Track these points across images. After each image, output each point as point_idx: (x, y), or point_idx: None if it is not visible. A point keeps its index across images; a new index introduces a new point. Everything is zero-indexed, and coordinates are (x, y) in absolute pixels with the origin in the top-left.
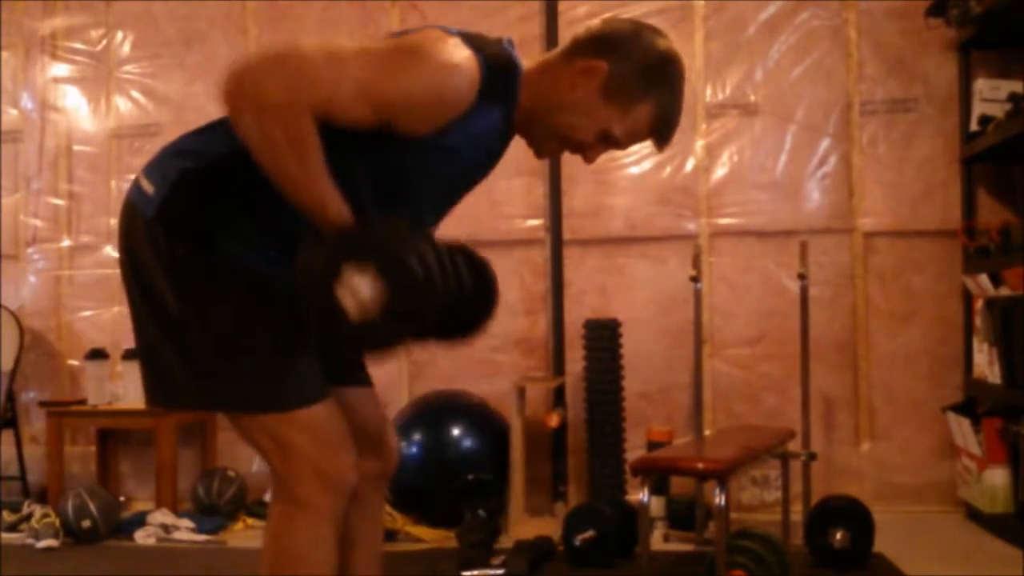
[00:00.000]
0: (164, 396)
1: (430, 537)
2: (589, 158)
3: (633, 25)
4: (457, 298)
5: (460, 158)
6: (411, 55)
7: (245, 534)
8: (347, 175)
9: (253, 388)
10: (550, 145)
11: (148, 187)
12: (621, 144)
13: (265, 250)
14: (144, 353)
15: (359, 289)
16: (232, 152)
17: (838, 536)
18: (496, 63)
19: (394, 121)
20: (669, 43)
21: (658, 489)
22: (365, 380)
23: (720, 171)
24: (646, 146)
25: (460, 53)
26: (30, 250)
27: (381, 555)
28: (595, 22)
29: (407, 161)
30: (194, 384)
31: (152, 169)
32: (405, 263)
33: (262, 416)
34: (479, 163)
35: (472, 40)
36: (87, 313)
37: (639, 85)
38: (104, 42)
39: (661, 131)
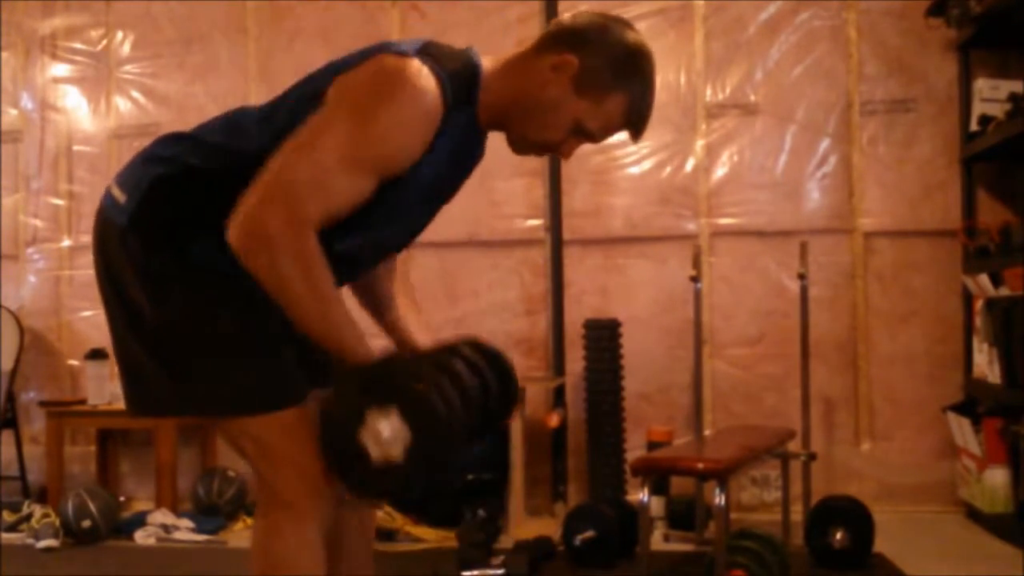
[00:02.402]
0: (145, 405)
1: (430, 537)
2: (564, 152)
3: (601, 18)
4: (478, 423)
5: (443, 165)
6: (375, 106)
7: (245, 534)
8: None
9: (232, 392)
10: (526, 142)
11: (120, 196)
12: (595, 137)
13: None
14: (122, 362)
15: (382, 433)
16: (202, 165)
17: (838, 536)
18: (456, 72)
19: (390, 170)
20: (638, 35)
21: (658, 489)
22: None
23: (720, 171)
24: (645, 145)
25: (419, 77)
26: (30, 250)
27: (370, 556)
28: (564, 17)
29: (396, 184)
30: (174, 391)
31: (123, 178)
32: (429, 406)
33: (244, 420)
34: (461, 163)
35: (431, 54)
36: (87, 313)
37: (610, 77)
38: (104, 42)
39: (634, 122)
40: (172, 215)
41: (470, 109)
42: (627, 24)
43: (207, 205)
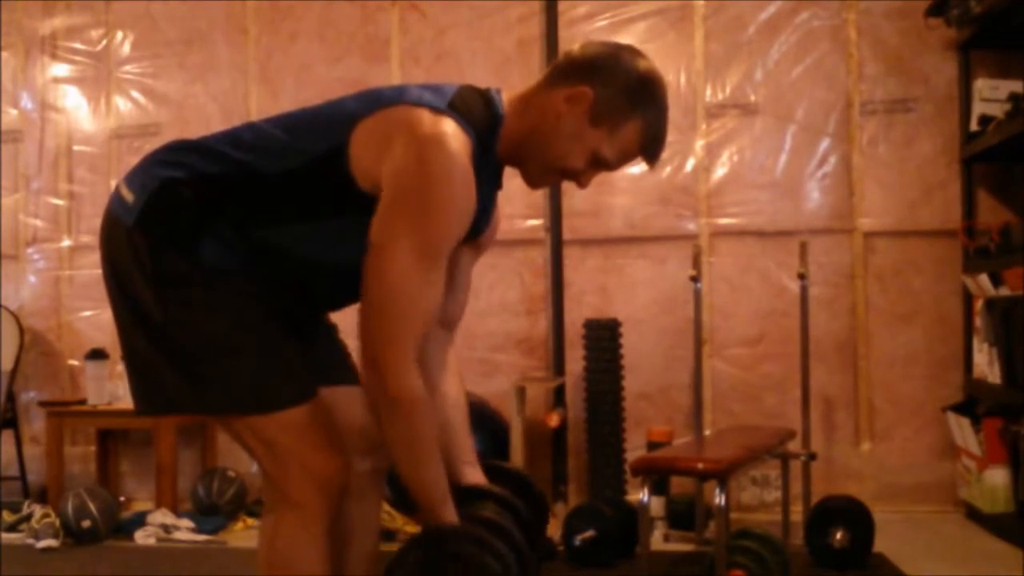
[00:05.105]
0: (152, 403)
1: None
2: (582, 183)
3: (611, 47)
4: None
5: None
6: (427, 195)
7: (245, 534)
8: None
9: (239, 391)
10: (543, 175)
11: (128, 196)
12: (612, 166)
13: (245, 255)
14: (130, 361)
15: None
16: (220, 173)
17: (838, 536)
18: (482, 124)
19: (456, 244)
20: (649, 62)
21: (658, 489)
22: (351, 379)
23: (720, 171)
24: None
25: (456, 143)
26: (30, 250)
27: (376, 554)
28: (572, 48)
29: None
30: (180, 390)
31: (132, 178)
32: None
33: (250, 418)
34: (486, 206)
35: (459, 109)
36: (87, 313)
37: (625, 106)
38: (104, 42)
39: (650, 148)
40: (180, 216)
41: (492, 154)
42: (636, 51)
43: (215, 208)
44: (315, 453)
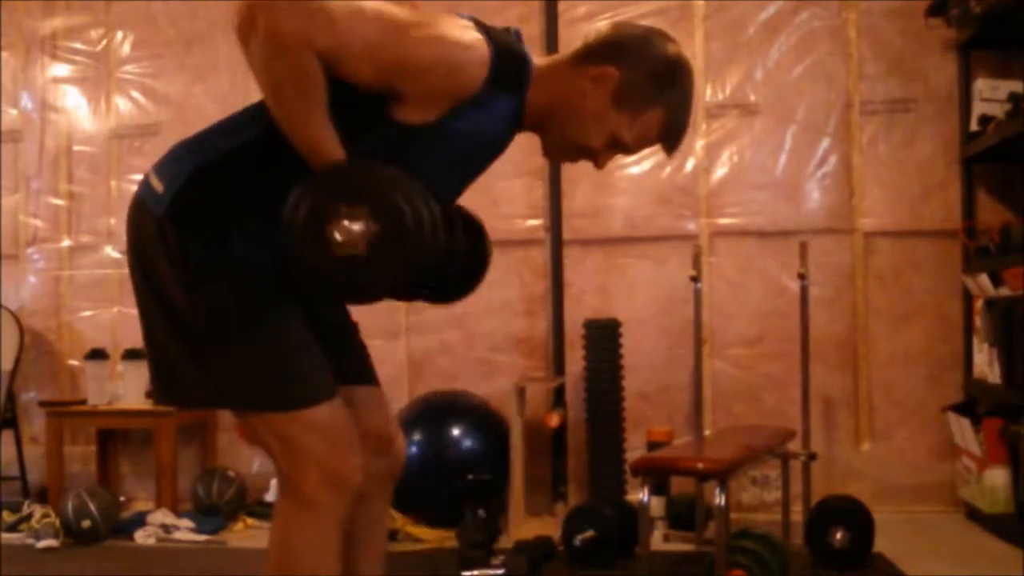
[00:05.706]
0: (173, 394)
1: (430, 537)
2: (599, 163)
3: (643, 30)
4: (448, 253)
5: (466, 146)
6: (425, 27)
7: (245, 534)
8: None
9: (261, 387)
10: (561, 150)
11: (158, 185)
12: (631, 149)
13: (275, 249)
14: (152, 351)
15: (350, 226)
16: (243, 150)
17: (838, 536)
18: (507, 51)
19: (396, 88)
20: (678, 48)
21: (658, 489)
22: (372, 379)
23: (720, 171)
24: None
25: (471, 35)
26: (30, 250)
27: (384, 555)
28: (604, 27)
29: (412, 145)
30: (202, 383)
31: (162, 167)
32: (397, 206)
33: (270, 415)
34: (484, 153)
35: (483, 27)
36: (87, 313)
37: (649, 91)
38: (104, 42)
39: (670, 137)
40: (211, 206)
41: (517, 99)
42: (667, 36)
43: (246, 199)
44: (334, 452)
